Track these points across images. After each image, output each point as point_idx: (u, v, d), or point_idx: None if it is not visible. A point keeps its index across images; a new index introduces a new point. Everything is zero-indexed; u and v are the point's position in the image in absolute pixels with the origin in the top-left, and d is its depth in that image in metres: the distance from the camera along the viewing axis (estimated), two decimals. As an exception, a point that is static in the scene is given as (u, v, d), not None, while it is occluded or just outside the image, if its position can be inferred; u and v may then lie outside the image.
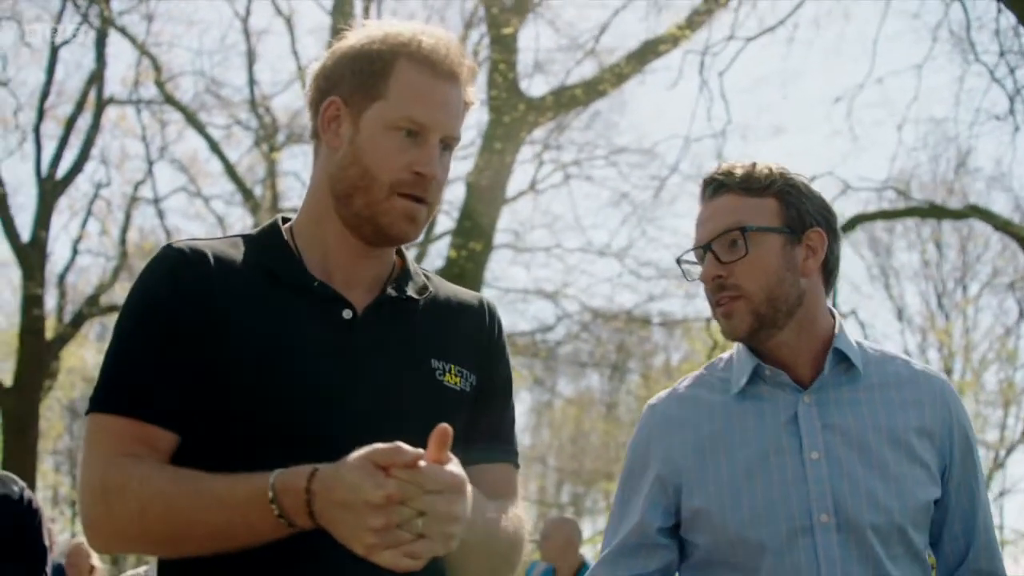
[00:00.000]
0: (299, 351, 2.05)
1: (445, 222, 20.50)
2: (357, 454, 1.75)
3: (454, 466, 1.77)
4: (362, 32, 2.19)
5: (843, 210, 14.92)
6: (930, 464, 2.53)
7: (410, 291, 2.19)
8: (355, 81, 2.13)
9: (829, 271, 2.62)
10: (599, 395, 34.50)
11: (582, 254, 23.32)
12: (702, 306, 21.44)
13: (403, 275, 2.22)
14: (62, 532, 33.52)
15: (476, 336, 2.26)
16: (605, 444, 34.60)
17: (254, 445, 1.96)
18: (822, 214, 2.59)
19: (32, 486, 21.36)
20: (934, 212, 17.65)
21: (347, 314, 2.10)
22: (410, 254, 2.29)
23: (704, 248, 2.56)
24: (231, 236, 2.22)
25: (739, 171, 2.58)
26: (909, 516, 2.48)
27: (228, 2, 25.24)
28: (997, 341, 25.31)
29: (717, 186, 2.59)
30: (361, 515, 1.71)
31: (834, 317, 2.63)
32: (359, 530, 1.72)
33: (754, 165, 2.58)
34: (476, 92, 2.26)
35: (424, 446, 1.75)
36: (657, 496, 2.60)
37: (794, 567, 2.43)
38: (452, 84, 2.15)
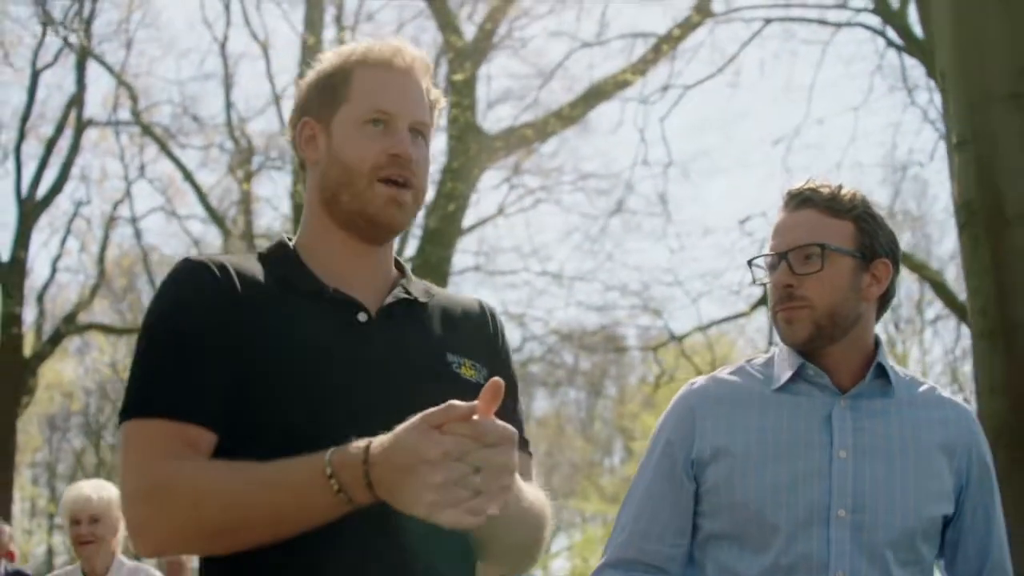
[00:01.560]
0: (322, 354, 2.07)
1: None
2: (411, 419, 1.75)
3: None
4: (326, 59, 2.29)
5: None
6: (947, 481, 2.59)
7: (416, 294, 2.24)
8: (320, 98, 2.23)
9: (886, 300, 2.70)
10: (575, 412, 34.82)
11: (550, 277, 23.80)
12: (662, 331, 22.02)
13: (406, 281, 2.27)
14: (39, 544, 33.77)
15: (482, 334, 2.31)
16: (580, 462, 35.02)
17: (286, 446, 1.91)
18: (891, 247, 2.66)
19: (9, 498, 21.72)
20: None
21: (362, 317, 2.14)
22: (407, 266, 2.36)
23: (780, 256, 2.61)
24: (244, 254, 2.27)
25: (825, 191, 2.63)
26: (921, 527, 2.54)
27: (207, 28, 25.50)
28: (949, 367, 25.90)
29: (802, 199, 2.64)
30: (421, 475, 1.70)
31: (877, 339, 2.69)
32: (420, 490, 1.70)
33: (840, 187, 2.65)
34: (437, 90, 2.32)
35: None
36: (676, 487, 2.64)
37: (804, 553, 2.49)
38: (408, 76, 2.23)
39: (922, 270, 17.16)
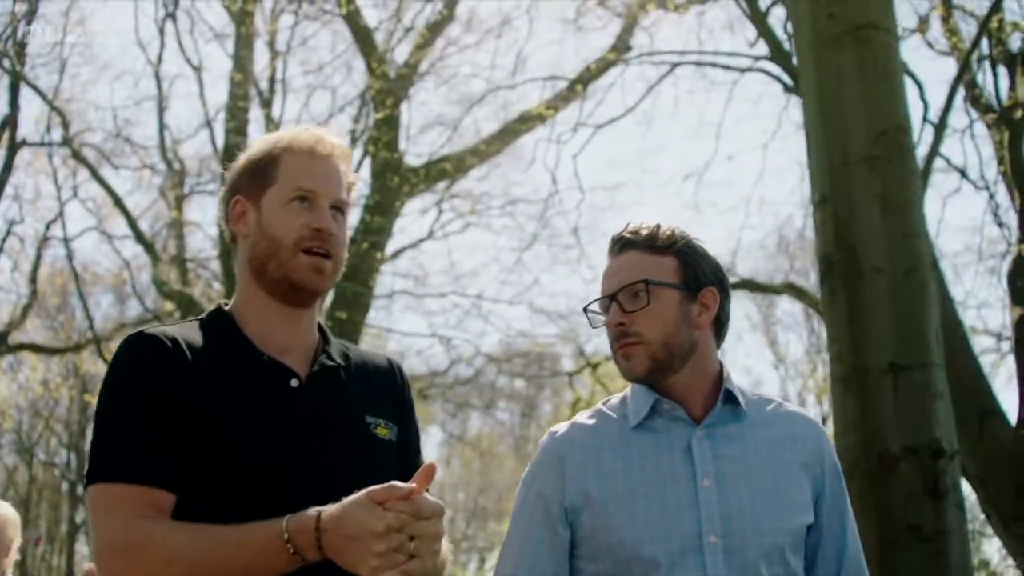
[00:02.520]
0: (260, 419, 2.32)
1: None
2: (357, 494, 2.07)
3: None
4: (254, 147, 2.56)
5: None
6: (806, 492, 2.69)
7: (337, 358, 2.51)
8: (251, 180, 2.50)
9: (720, 325, 2.80)
10: (508, 432, 35.01)
11: (477, 300, 23.90)
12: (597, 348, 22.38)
13: (328, 345, 2.53)
14: None
15: (392, 393, 2.60)
16: (512, 482, 35.15)
17: (231, 503, 2.21)
18: (716, 275, 2.78)
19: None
20: (751, 287, 18.44)
21: (295, 383, 2.41)
22: (326, 327, 2.62)
23: (610, 298, 2.73)
24: (186, 321, 2.50)
25: (644, 231, 2.75)
26: (788, 539, 2.63)
27: (141, 50, 25.48)
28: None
29: (624, 244, 2.77)
30: (366, 543, 2.02)
31: (721, 364, 2.79)
32: (365, 556, 2.03)
33: (658, 226, 2.76)
34: (355, 173, 2.59)
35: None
36: (551, 535, 2.72)
37: (692, 573, 2.57)
38: (329, 161, 2.51)
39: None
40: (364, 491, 2.07)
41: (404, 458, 2.55)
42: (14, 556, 6.17)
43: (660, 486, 2.63)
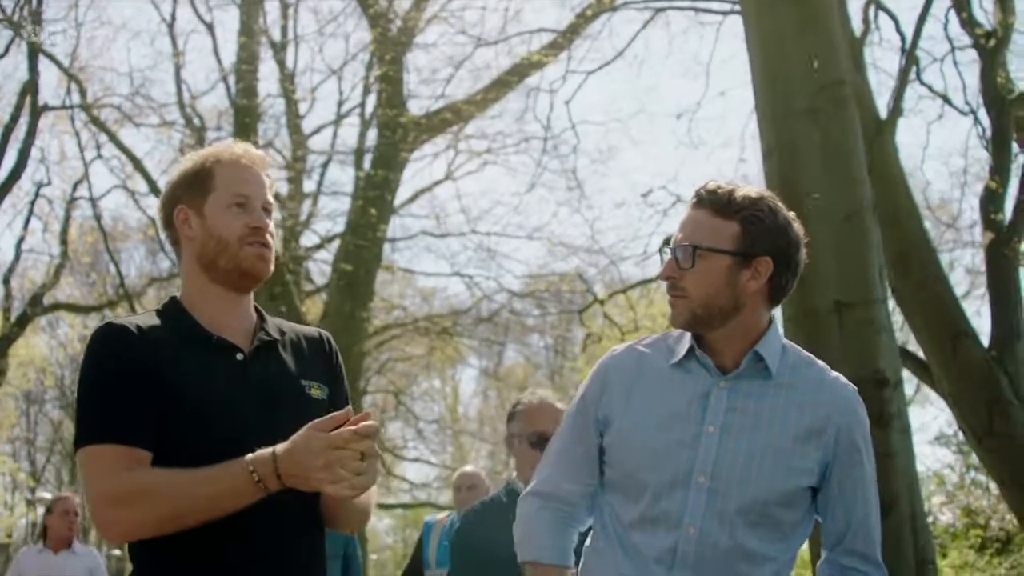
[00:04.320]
0: (215, 386, 2.69)
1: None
2: (302, 429, 2.51)
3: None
4: (189, 160, 2.89)
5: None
6: (811, 457, 2.82)
7: (274, 333, 2.87)
8: (191, 190, 2.84)
9: (774, 291, 2.89)
10: (544, 362, 35.49)
11: (497, 237, 24.47)
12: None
13: (264, 323, 2.89)
14: (21, 516, 33.99)
15: (323, 360, 2.95)
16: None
17: (196, 455, 2.56)
18: (778, 244, 2.85)
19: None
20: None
21: (239, 356, 2.78)
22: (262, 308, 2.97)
23: (672, 250, 2.89)
24: (146, 312, 2.88)
25: (719, 192, 2.86)
26: (774, 497, 2.78)
27: (155, 8, 25.68)
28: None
29: (698, 200, 2.90)
30: (313, 461, 2.45)
31: (770, 325, 2.92)
32: (311, 471, 2.46)
33: (732, 191, 2.87)
34: (272, 173, 2.95)
35: None
36: (586, 437, 3.02)
37: (665, 510, 2.81)
38: (256, 169, 2.87)
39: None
40: (308, 424, 2.52)
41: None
42: None
43: (671, 422, 2.85)
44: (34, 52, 22.93)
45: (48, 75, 25.53)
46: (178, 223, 2.85)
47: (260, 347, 2.82)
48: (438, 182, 23.84)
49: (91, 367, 2.69)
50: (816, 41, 7.59)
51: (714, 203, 2.85)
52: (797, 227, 2.90)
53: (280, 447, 2.52)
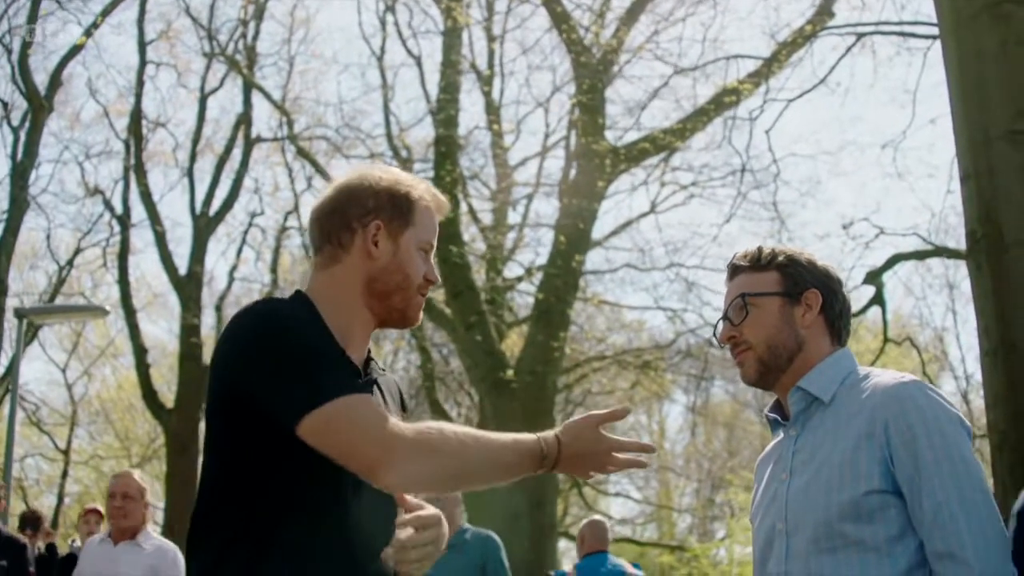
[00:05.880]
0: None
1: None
2: (578, 419, 2.69)
3: None
4: (386, 176, 2.86)
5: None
6: (870, 459, 2.75)
7: (378, 371, 2.87)
8: (393, 212, 2.81)
9: (832, 320, 3.01)
10: (753, 400, 34.69)
11: (700, 272, 24.18)
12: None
13: (371, 358, 2.89)
14: None
15: (397, 403, 2.93)
16: (760, 445, 34.76)
17: (311, 461, 2.53)
18: (819, 279, 3.00)
19: (193, 494, 22.85)
20: (942, 253, 17.06)
21: (359, 381, 2.76)
22: None
23: (724, 318, 3.05)
24: (279, 299, 2.81)
25: (749, 255, 3.07)
26: (839, 511, 2.74)
27: (365, 42, 26.21)
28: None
29: (733, 270, 3.10)
30: (596, 457, 2.68)
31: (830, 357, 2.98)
32: (594, 466, 2.69)
33: (759, 249, 3.07)
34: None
35: None
36: None
37: (773, 560, 2.89)
38: (438, 219, 2.92)
39: None
40: (585, 416, 2.69)
41: None
42: None
43: (767, 488, 3.01)
44: (248, 86, 23.87)
45: (262, 107, 26.24)
46: (366, 234, 2.79)
47: (371, 379, 2.81)
48: (644, 215, 23.66)
49: (294, 336, 2.57)
50: (1017, 61, 7.14)
51: (749, 264, 3.05)
52: (832, 270, 3.06)
53: (561, 434, 2.65)
